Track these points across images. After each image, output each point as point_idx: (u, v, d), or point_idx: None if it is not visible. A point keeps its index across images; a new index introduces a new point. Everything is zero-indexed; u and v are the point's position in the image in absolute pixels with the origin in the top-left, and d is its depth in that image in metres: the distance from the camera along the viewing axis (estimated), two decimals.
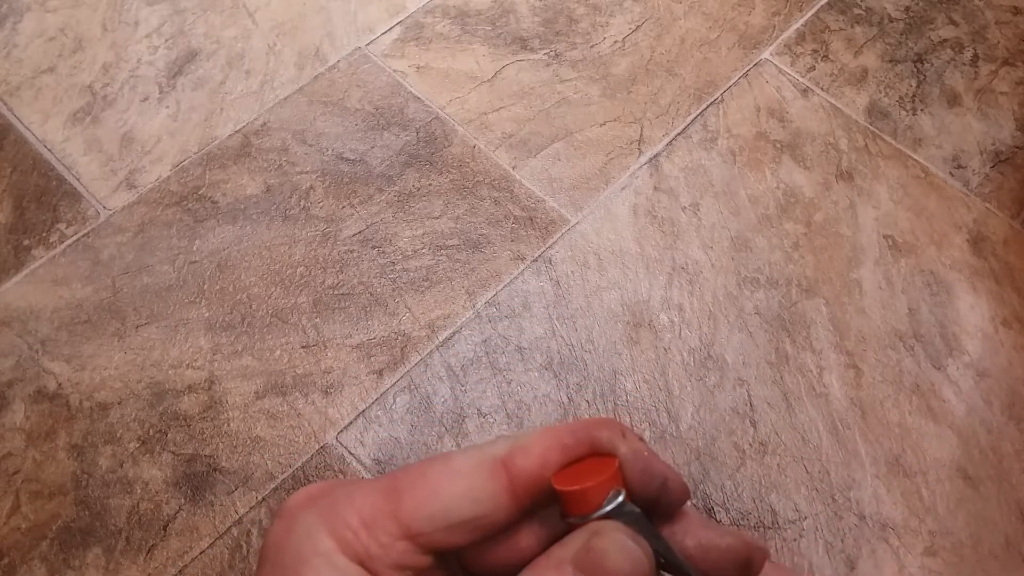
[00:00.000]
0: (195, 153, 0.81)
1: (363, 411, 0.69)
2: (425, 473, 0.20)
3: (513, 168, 0.81)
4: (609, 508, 0.19)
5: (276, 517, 0.21)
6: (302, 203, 0.79)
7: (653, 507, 0.21)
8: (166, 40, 0.88)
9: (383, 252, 0.76)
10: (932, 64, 0.88)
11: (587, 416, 0.69)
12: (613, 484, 0.19)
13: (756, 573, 0.21)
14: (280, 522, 0.21)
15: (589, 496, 0.19)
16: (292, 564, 0.19)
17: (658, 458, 0.21)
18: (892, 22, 0.91)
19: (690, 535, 0.21)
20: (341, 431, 0.68)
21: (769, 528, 0.65)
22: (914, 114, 0.85)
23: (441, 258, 0.76)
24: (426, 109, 0.84)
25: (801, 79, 0.87)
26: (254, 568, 0.63)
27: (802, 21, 0.91)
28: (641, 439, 0.21)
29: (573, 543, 0.19)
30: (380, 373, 0.70)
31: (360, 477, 0.66)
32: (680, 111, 0.84)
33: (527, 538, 0.21)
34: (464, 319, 0.73)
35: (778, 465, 0.67)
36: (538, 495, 0.20)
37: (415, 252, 0.76)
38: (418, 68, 0.87)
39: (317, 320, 0.73)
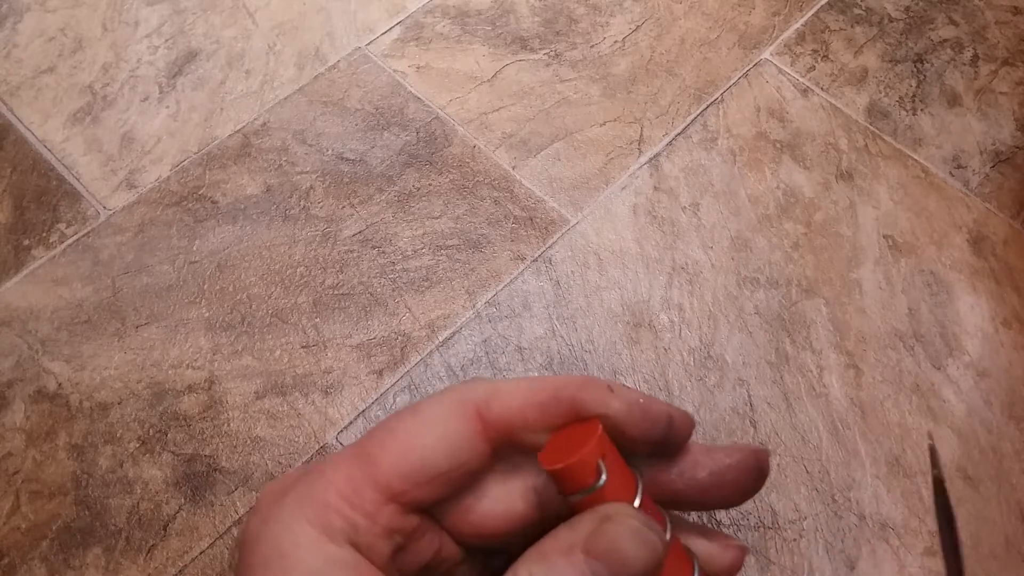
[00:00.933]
0: (195, 153, 0.81)
1: (363, 411, 0.69)
2: (394, 430, 0.20)
3: (513, 168, 0.81)
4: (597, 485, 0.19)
5: (252, 513, 0.20)
6: (302, 203, 0.79)
7: (663, 447, 0.20)
8: (166, 40, 0.88)
9: (383, 252, 0.76)
10: (932, 64, 0.88)
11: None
12: (597, 454, 0.19)
13: (767, 474, 0.21)
14: (255, 518, 0.20)
15: (576, 471, 0.19)
16: (274, 560, 0.18)
17: (655, 400, 0.20)
18: (892, 22, 0.91)
19: (700, 466, 0.20)
20: (341, 431, 0.68)
21: (769, 528, 0.65)
22: (914, 114, 0.85)
23: (441, 258, 0.76)
24: (426, 109, 0.84)
25: (801, 79, 0.87)
26: None
27: (802, 21, 0.91)
28: (629, 388, 0.20)
29: (582, 527, 0.18)
30: (380, 373, 0.70)
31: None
32: (680, 111, 0.84)
33: (510, 497, 0.20)
34: (464, 319, 0.73)
35: (778, 465, 0.67)
36: (512, 443, 0.20)
37: (415, 252, 0.76)
38: (418, 68, 0.87)
39: (317, 320, 0.73)
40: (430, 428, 0.19)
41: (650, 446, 0.20)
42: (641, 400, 0.20)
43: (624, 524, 0.18)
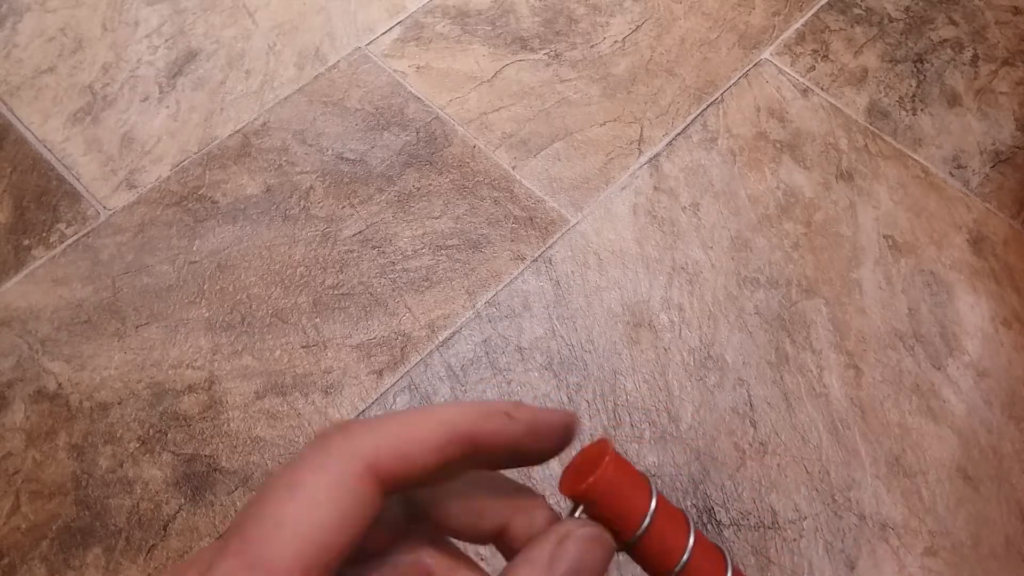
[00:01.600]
0: (195, 153, 0.81)
1: (363, 411, 0.69)
2: (276, 520, 0.17)
3: (513, 168, 0.81)
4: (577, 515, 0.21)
5: None
6: (302, 203, 0.79)
7: (557, 452, 0.21)
8: (166, 40, 0.88)
9: (383, 252, 0.76)
10: (932, 64, 0.88)
11: (586, 418, 0.69)
12: (595, 490, 0.20)
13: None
14: None
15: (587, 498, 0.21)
16: None
17: (550, 411, 0.21)
18: (892, 22, 0.91)
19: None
20: None
21: (769, 528, 0.65)
22: (914, 114, 0.85)
23: (441, 258, 0.76)
24: (426, 109, 0.84)
25: (801, 79, 0.87)
26: None
27: (802, 21, 0.91)
28: (520, 403, 0.20)
29: (542, 552, 0.19)
30: (380, 373, 0.70)
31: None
32: (680, 111, 0.84)
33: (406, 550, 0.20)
34: (464, 319, 0.73)
35: (778, 465, 0.67)
36: (413, 486, 0.19)
37: (415, 252, 0.76)
38: (418, 68, 0.87)
39: (317, 320, 0.73)
40: (320, 509, 0.17)
41: (550, 455, 0.21)
42: (540, 414, 0.20)
43: (581, 534, 0.20)
